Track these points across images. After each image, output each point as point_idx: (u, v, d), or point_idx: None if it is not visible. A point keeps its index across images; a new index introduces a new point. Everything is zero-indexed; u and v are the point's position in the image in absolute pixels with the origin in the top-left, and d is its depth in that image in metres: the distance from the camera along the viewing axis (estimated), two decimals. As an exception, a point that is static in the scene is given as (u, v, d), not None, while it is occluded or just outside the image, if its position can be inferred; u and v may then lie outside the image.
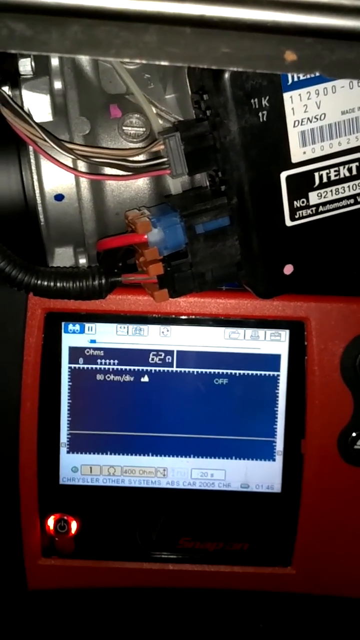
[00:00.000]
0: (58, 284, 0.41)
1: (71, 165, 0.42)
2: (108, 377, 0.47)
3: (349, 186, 0.40)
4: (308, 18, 0.26)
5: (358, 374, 0.47)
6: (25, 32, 0.26)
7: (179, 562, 0.50)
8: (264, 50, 0.26)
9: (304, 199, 0.40)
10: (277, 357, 0.47)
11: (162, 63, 0.26)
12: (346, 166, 0.40)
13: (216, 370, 0.47)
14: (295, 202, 0.40)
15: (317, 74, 0.27)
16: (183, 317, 0.47)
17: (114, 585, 0.50)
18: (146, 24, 0.26)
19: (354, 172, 0.40)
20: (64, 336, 0.47)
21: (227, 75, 0.37)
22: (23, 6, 0.26)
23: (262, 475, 0.48)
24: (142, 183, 0.43)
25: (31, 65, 0.43)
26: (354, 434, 0.47)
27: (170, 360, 0.47)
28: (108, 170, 0.42)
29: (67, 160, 0.41)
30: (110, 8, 0.26)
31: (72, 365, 0.47)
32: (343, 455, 0.48)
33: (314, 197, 0.40)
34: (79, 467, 0.48)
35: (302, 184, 0.39)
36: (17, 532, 0.48)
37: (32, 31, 0.26)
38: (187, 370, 0.47)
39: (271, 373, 0.47)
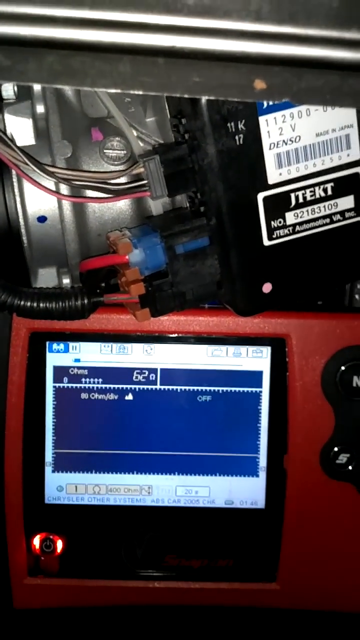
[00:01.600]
0: (41, 305, 0.42)
1: (53, 188, 0.42)
2: (92, 395, 0.48)
3: (324, 206, 0.41)
4: (276, 47, 0.27)
5: (339, 389, 0.47)
6: (3, 62, 0.27)
7: (164, 580, 0.50)
8: (234, 79, 0.27)
9: (281, 219, 0.41)
10: (259, 374, 0.48)
11: (137, 92, 0.27)
12: (321, 187, 0.41)
13: (199, 388, 0.48)
14: (272, 222, 0.41)
15: (287, 101, 0.28)
16: (166, 335, 0.47)
17: (100, 604, 0.50)
18: (120, 55, 0.27)
19: (329, 192, 0.41)
20: (49, 355, 0.47)
21: (204, 100, 0.38)
22: (1, 38, 0.27)
23: (246, 491, 0.49)
24: (123, 204, 0.44)
25: (14, 90, 0.44)
26: (335, 449, 0.48)
27: (154, 378, 0.48)
28: (90, 193, 0.43)
29: (50, 183, 0.42)
30: (84, 40, 0.27)
31: (57, 385, 0.48)
32: (325, 469, 0.48)
33: (290, 217, 0.41)
34: (64, 486, 0.48)
35: (278, 205, 0.40)
36: (3, 551, 0.48)
37: (10, 61, 0.27)
38: (170, 387, 0.48)
39: (253, 389, 0.48)
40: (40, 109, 0.43)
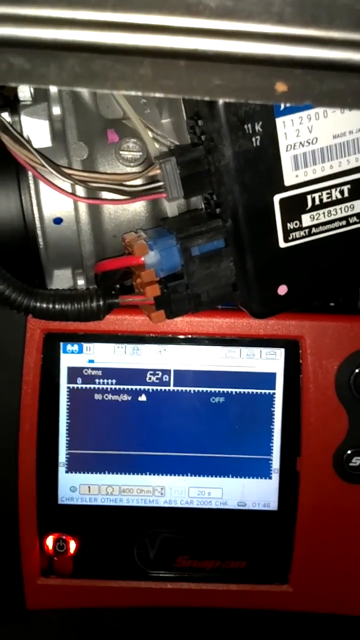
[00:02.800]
0: (57, 306, 0.42)
1: (69, 190, 0.42)
2: (106, 396, 0.48)
3: (340, 208, 0.41)
4: (298, 50, 0.27)
5: (352, 392, 0.47)
6: (24, 66, 0.27)
7: (176, 581, 0.50)
8: (256, 81, 0.27)
9: (297, 221, 0.41)
10: (272, 376, 0.48)
11: (157, 95, 0.27)
12: (338, 189, 0.41)
13: (213, 389, 0.48)
14: (288, 224, 0.40)
15: (308, 103, 0.28)
16: (179, 336, 0.47)
17: (112, 605, 0.50)
18: (141, 58, 0.27)
19: (346, 194, 0.41)
20: (63, 356, 0.47)
21: (221, 101, 0.38)
22: (22, 41, 0.27)
23: (258, 493, 0.49)
24: (139, 206, 0.44)
25: (30, 92, 0.44)
26: (349, 452, 0.48)
27: (167, 380, 0.48)
28: (106, 194, 0.43)
29: (66, 184, 0.42)
30: (106, 42, 0.27)
31: (71, 385, 0.48)
32: (338, 472, 0.48)
33: (306, 219, 0.41)
34: (77, 487, 0.49)
35: (295, 207, 0.40)
36: (16, 551, 0.49)
37: (31, 65, 0.27)
38: (184, 389, 0.48)
39: (267, 391, 0.48)
40: (56, 110, 0.43)
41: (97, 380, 0.48)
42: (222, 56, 0.26)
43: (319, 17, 0.26)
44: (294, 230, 0.41)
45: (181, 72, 0.27)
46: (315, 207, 0.41)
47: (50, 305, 0.42)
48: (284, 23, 0.26)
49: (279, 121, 0.38)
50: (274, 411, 0.48)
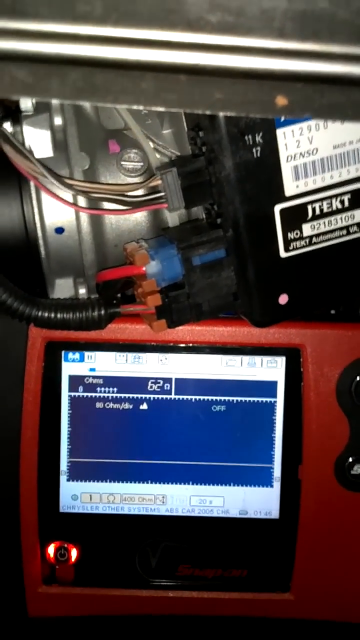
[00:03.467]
0: (58, 316, 0.42)
1: (71, 200, 0.43)
2: (107, 405, 0.48)
3: (341, 218, 0.41)
4: (299, 64, 0.27)
5: (354, 400, 0.47)
6: (27, 80, 0.27)
7: (178, 590, 0.50)
8: (257, 95, 0.27)
9: (298, 231, 0.41)
10: (273, 384, 0.48)
11: (159, 109, 0.27)
12: (338, 198, 0.41)
13: (214, 398, 0.48)
14: (289, 234, 0.41)
15: (308, 116, 0.28)
16: (181, 345, 0.47)
17: (113, 613, 0.50)
18: (143, 72, 0.27)
19: (346, 204, 0.41)
20: (64, 365, 0.48)
21: (221, 112, 0.38)
22: (25, 55, 0.27)
23: (260, 501, 0.49)
24: (140, 216, 0.44)
25: (32, 103, 0.44)
26: (350, 459, 0.48)
27: (168, 388, 0.48)
28: (107, 205, 0.43)
29: (67, 194, 0.42)
30: (108, 57, 0.27)
31: (72, 394, 0.48)
32: (340, 480, 0.48)
33: (307, 229, 0.41)
34: (78, 495, 0.49)
35: (295, 217, 0.40)
36: (18, 560, 0.49)
37: (33, 79, 0.27)
38: (185, 397, 0.48)
39: (268, 399, 0.48)
40: (58, 121, 0.43)
41: (98, 389, 0.48)
42: (223, 71, 0.27)
43: (319, 31, 0.26)
44: (295, 240, 0.41)
45: (182, 86, 0.27)
46: (315, 217, 0.41)
47: (52, 314, 0.42)
48: (285, 38, 0.26)
49: (279, 132, 0.39)
50: (275, 419, 0.48)
